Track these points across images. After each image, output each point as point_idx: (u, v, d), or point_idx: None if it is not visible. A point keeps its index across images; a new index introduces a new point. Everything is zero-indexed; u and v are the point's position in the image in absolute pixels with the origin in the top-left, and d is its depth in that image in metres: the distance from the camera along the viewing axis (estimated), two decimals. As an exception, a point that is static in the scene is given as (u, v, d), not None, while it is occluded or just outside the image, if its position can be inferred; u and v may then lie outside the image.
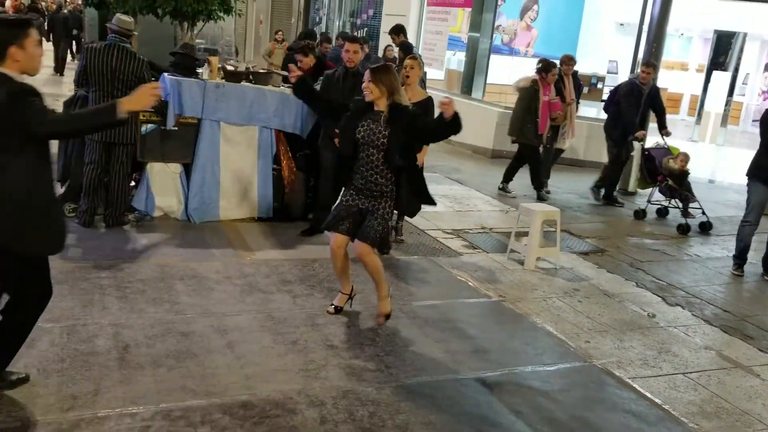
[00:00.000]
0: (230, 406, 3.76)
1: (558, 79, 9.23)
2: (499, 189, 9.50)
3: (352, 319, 5.03)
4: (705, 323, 5.70)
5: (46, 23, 18.13)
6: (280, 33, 14.70)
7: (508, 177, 9.52)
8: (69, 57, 19.02)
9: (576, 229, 8.05)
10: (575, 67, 9.75)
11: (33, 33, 3.30)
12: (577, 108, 9.99)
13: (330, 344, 4.60)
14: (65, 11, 20.15)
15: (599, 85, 13.57)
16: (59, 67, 17.78)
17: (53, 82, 16.48)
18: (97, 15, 12.97)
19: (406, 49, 10.24)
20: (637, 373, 4.68)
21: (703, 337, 5.42)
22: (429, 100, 6.38)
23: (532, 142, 9.09)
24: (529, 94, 8.94)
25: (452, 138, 11.73)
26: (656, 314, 5.77)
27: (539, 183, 9.33)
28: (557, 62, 9.33)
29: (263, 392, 3.93)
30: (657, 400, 4.35)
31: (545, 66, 9.04)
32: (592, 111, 12.79)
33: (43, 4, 22.20)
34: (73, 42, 19.30)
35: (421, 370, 4.40)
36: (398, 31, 10.86)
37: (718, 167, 13.43)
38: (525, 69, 13.07)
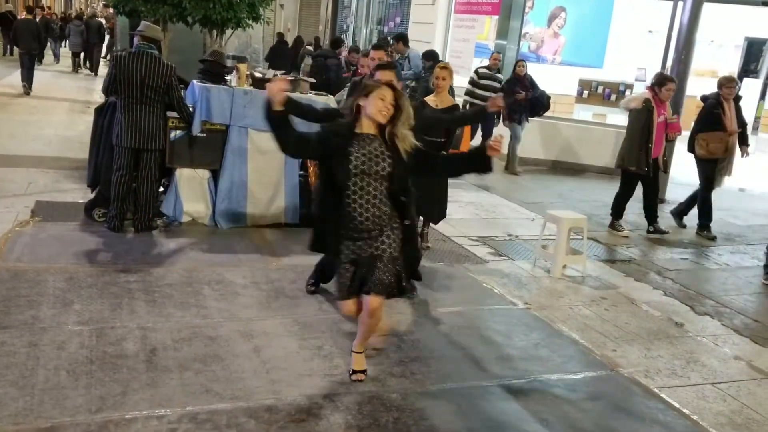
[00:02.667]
0: (256, 410, 3.78)
1: (714, 104, 8.21)
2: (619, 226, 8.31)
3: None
4: (734, 333, 5.62)
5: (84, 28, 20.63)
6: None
7: (651, 216, 8.35)
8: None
9: (603, 237, 7.98)
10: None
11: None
12: (745, 141, 8.50)
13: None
14: (99, 19, 23.41)
15: (627, 93, 13.45)
16: (93, 68, 20.72)
17: (85, 91, 16.77)
18: (128, 23, 13.18)
19: (429, 56, 10.38)
20: (664, 382, 4.63)
21: (733, 347, 5.34)
22: (456, 107, 6.41)
23: (642, 170, 7.94)
24: (643, 116, 7.83)
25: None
26: (684, 323, 5.71)
27: (619, 212, 8.32)
28: (670, 76, 8.25)
29: (289, 397, 3.95)
30: (685, 411, 4.30)
31: (659, 80, 7.96)
32: (620, 118, 12.69)
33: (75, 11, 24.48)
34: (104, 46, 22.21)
35: (446, 376, 4.39)
36: (399, 38, 11.14)
37: (748, 175, 13.23)
38: (553, 76, 13.05)
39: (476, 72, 11.77)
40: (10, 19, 19.99)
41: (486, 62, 12.10)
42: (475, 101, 11.09)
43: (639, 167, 7.94)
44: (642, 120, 7.85)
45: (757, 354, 5.26)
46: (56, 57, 23.39)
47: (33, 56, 15.57)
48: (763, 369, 5.00)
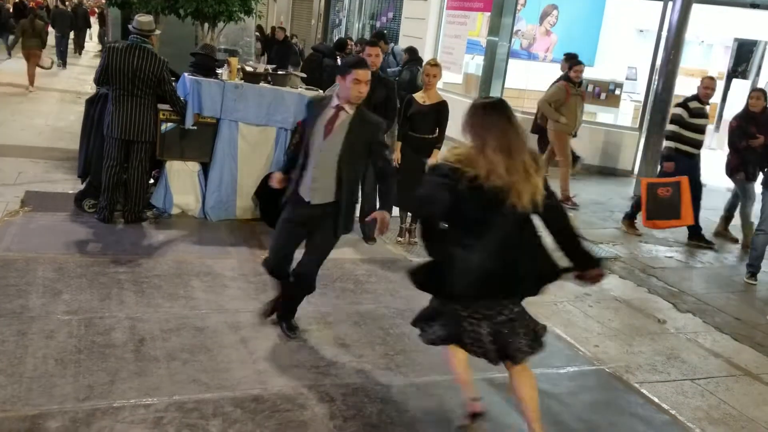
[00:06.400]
0: (242, 399, 3.84)
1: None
2: None
3: (364, 318, 5.09)
4: (715, 330, 5.71)
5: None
6: None
7: None
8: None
9: (590, 234, 8.05)
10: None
11: (354, 73, 4.08)
12: None
13: (341, 342, 4.67)
14: (85, 7, 25.90)
15: (617, 92, 13.55)
16: (78, 50, 22.79)
17: (76, 81, 16.73)
18: (120, 14, 13.13)
19: (408, 51, 10.49)
20: (645, 378, 4.71)
21: (713, 344, 5.43)
22: (442, 104, 6.49)
23: None
24: None
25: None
26: (667, 320, 5.79)
27: None
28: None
29: (274, 387, 4.01)
30: (664, 405, 4.38)
31: None
32: (609, 117, 12.82)
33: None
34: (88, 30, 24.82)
35: (429, 369, 4.45)
36: (379, 37, 11.18)
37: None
38: (544, 74, 13.12)
39: (685, 107, 8.00)
40: (21, 8, 22.11)
41: (694, 92, 8.16)
42: (683, 147, 7.97)
43: None
44: None
45: (737, 351, 5.35)
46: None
47: (66, 38, 19.45)
48: (741, 365, 5.10)
